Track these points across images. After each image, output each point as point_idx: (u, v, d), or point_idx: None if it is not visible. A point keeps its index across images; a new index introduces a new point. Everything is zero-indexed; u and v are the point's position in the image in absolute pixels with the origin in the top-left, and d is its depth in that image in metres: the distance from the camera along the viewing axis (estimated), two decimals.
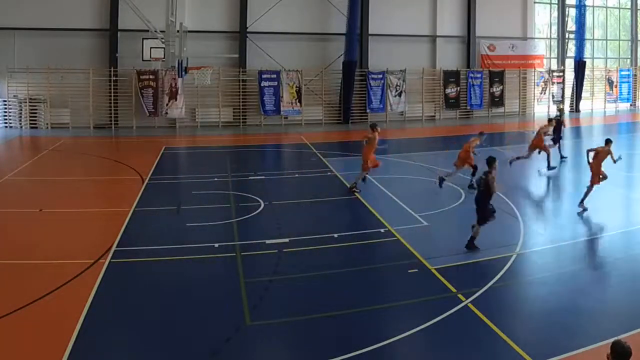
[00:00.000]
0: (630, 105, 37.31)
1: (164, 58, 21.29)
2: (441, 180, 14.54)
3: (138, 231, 11.73)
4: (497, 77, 32.53)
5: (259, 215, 12.80)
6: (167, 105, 26.61)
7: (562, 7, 35.40)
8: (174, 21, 19.76)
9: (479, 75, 32.15)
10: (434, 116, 31.57)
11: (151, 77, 26.50)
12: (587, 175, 13.16)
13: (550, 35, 35.91)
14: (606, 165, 13.03)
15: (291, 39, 28.87)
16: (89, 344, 7.10)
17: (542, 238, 11.42)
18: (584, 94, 35.49)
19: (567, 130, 29.04)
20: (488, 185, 10.21)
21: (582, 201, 12.94)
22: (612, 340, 4.68)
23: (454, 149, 22.90)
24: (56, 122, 26.17)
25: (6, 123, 26.33)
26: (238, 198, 14.33)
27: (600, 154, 13.05)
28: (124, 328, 7.71)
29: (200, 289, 8.96)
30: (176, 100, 26.67)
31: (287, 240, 10.84)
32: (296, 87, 28.56)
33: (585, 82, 35.09)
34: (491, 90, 32.49)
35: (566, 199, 15.38)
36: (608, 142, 13.06)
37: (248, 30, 28.17)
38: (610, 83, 36.36)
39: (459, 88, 31.66)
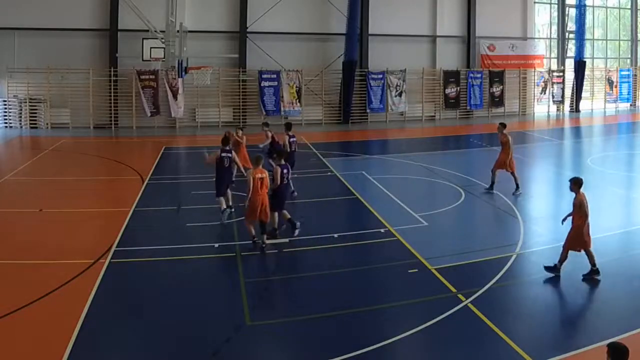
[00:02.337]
0: (630, 105, 37.30)
1: (164, 58, 21.25)
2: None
3: (138, 231, 11.74)
4: (497, 77, 32.52)
5: None
6: (175, 102, 26.66)
7: (562, 7, 35.39)
8: (174, 21, 19.75)
9: (479, 75, 32.14)
10: (434, 116, 31.57)
11: (151, 77, 26.51)
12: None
13: (550, 35, 35.89)
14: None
15: (291, 39, 28.85)
16: (89, 344, 7.11)
17: (542, 238, 11.42)
18: (584, 94, 35.47)
19: (566, 130, 29.16)
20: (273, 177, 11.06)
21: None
22: (611, 340, 4.71)
23: (454, 149, 23.11)
24: (56, 122, 26.16)
25: (6, 123, 26.33)
26: (238, 198, 14.33)
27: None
28: (124, 328, 7.72)
29: (200, 289, 8.96)
30: (176, 99, 26.69)
31: (287, 240, 10.84)
32: (296, 87, 28.57)
33: (585, 82, 35.06)
34: (491, 90, 32.47)
35: (566, 199, 15.35)
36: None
37: (248, 30, 28.16)
38: (610, 83, 36.35)
39: (459, 88, 31.65)
